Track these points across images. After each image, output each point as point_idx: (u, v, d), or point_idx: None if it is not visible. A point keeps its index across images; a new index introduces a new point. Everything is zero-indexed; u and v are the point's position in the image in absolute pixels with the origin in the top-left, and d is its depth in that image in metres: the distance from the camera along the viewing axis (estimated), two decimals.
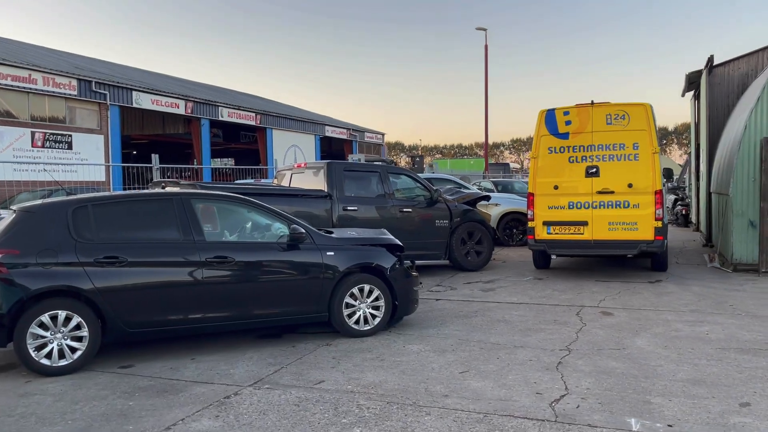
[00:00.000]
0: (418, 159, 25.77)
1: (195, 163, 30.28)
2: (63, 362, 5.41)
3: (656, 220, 9.47)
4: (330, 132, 43.27)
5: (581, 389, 4.75)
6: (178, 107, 29.85)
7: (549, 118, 10.12)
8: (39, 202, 5.98)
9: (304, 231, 6.40)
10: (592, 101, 9.91)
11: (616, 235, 9.69)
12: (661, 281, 9.60)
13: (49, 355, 5.37)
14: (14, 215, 5.68)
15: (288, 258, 6.34)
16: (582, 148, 9.89)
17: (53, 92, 23.60)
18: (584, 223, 9.83)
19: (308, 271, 6.38)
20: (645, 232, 9.52)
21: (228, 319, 6.09)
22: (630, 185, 9.59)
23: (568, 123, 10.00)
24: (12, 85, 22.08)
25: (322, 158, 38.50)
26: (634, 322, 6.98)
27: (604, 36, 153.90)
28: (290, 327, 6.85)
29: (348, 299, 6.51)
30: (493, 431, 4.00)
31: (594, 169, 9.80)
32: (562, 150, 10.02)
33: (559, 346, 6.02)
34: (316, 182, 10.12)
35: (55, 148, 23.52)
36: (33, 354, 5.33)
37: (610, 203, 9.72)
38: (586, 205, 9.84)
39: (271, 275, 6.29)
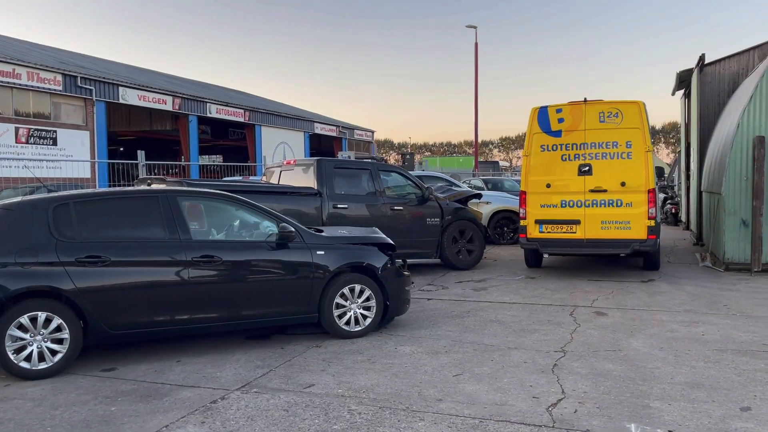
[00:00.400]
0: (408, 156, 25.57)
1: (183, 160, 29.95)
2: (43, 365, 5.22)
3: (649, 219, 9.40)
4: (319, 129, 43.02)
5: (578, 393, 4.63)
6: (165, 103, 29.51)
7: (541, 115, 10.02)
8: (18, 199, 5.77)
9: (293, 229, 6.24)
10: (585, 99, 9.81)
11: (608, 234, 9.60)
12: (653, 281, 9.53)
13: (28, 358, 5.18)
14: None
15: (277, 257, 6.18)
16: (575, 146, 9.80)
17: (38, 87, 23.23)
18: (577, 222, 9.74)
19: (298, 270, 6.23)
20: (638, 231, 9.44)
21: (215, 320, 5.92)
22: (623, 184, 9.50)
23: (560, 121, 9.90)
24: None
25: (312, 155, 38.25)
26: (629, 322, 6.88)
27: (594, 34, 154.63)
28: (279, 328, 6.69)
29: (338, 299, 6.36)
30: None
31: (587, 168, 9.71)
32: (554, 148, 9.92)
33: (553, 347, 5.90)
34: (306, 179, 9.95)
35: (39, 144, 23.15)
36: (12, 357, 5.14)
37: (602, 202, 9.64)
38: (579, 204, 9.75)
39: (259, 275, 6.13)
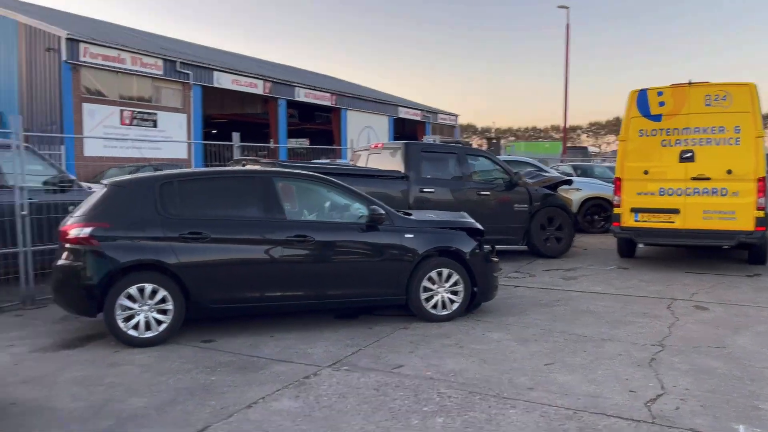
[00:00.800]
0: (495, 141, 25.13)
1: (271, 142, 30.82)
2: (149, 334, 5.54)
3: (758, 209, 8.78)
4: (403, 113, 43.02)
5: (679, 389, 4.42)
6: (256, 87, 30.40)
7: (641, 98, 9.55)
8: (128, 177, 6.14)
9: (383, 212, 6.29)
10: (690, 81, 9.25)
11: (711, 225, 9.07)
12: (760, 275, 8.93)
13: (136, 327, 5.52)
14: (105, 189, 5.84)
15: (366, 239, 6.26)
16: (676, 130, 9.28)
17: (141, 72, 24.50)
18: (676, 211, 9.25)
19: (387, 253, 6.28)
20: (744, 222, 8.85)
21: (306, 299, 6.09)
22: (729, 171, 8.92)
23: (661, 104, 9.39)
24: (103, 65, 23.06)
25: (395, 140, 38.33)
26: (733, 318, 6.49)
27: (694, 13, 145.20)
28: (366, 308, 6.77)
29: (426, 283, 6.37)
30: (584, 429, 3.77)
31: (689, 154, 9.18)
32: (654, 133, 9.44)
33: (650, 341, 5.66)
34: (393, 163, 9.98)
35: (141, 126, 24.47)
36: (121, 325, 5.49)
37: (705, 190, 9.10)
38: (679, 192, 9.25)
39: (349, 256, 6.24)
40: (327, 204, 6.62)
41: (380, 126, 40.01)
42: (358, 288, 6.26)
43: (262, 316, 6.36)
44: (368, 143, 16.66)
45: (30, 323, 6.39)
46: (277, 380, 4.66)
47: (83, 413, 4.07)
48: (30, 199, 7.21)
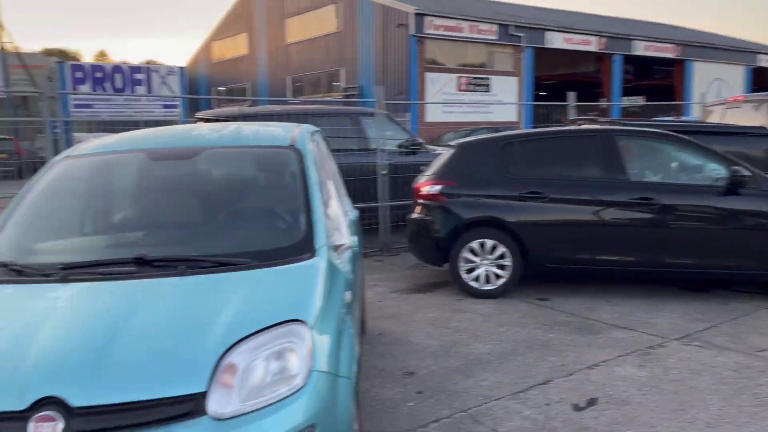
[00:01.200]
0: None
1: (603, 101, 29.33)
2: (488, 287, 5.87)
3: None
4: (764, 61, 36.48)
5: None
6: (590, 44, 29.13)
7: None
8: (473, 138, 6.52)
9: (748, 174, 5.48)
10: None
11: None
12: None
13: (476, 279, 5.89)
14: (453, 150, 6.31)
15: (723, 204, 5.56)
16: None
17: (476, 38, 25.61)
18: None
19: (749, 221, 5.51)
20: None
21: (645, 266, 5.70)
22: None
23: None
24: (443, 35, 24.76)
25: (753, 92, 32.78)
26: None
27: None
28: (717, 282, 6.04)
29: None
30: None
31: None
32: None
33: None
34: (758, 118, 8.58)
35: (476, 91, 25.70)
36: (464, 276, 5.92)
37: None
38: None
39: (700, 222, 5.64)
40: (674, 164, 6.05)
41: (733, 77, 34.75)
42: (709, 259, 5.61)
43: (595, 280, 6.16)
44: (718, 97, 14.58)
45: (388, 267, 7.35)
46: (617, 346, 4.50)
47: (435, 350, 4.54)
48: (388, 160, 8.21)
